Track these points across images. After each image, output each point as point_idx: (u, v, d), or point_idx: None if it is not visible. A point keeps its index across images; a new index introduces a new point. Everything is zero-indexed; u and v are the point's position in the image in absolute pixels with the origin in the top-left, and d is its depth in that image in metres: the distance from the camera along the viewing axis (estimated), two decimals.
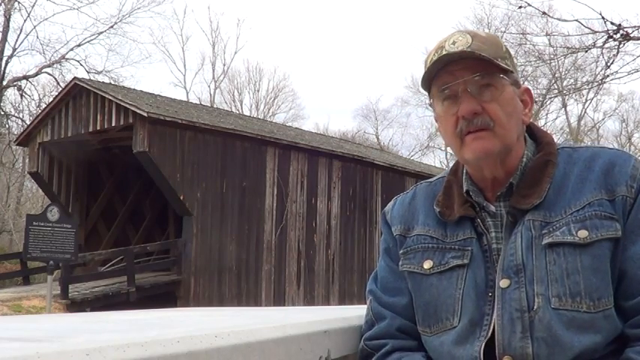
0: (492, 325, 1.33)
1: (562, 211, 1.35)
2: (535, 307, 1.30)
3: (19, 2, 25.74)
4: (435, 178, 1.60)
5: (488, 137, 1.37)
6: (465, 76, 1.37)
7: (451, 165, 1.57)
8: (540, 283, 1.31)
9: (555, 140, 1.50)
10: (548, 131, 1.61)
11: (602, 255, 1.31)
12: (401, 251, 1.51)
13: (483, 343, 1.33)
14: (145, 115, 14.38)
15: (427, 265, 1.44)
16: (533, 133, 1.49)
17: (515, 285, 1.33)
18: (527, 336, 1.29)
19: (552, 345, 1.28)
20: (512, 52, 1.51)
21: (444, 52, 1.38)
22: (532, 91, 1.50)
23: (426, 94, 1.49)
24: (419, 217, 1.52)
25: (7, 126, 26.73)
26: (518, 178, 1.41)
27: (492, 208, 1.42)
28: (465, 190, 1.45)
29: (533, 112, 1.49)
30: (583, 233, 1.31)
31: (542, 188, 1.38)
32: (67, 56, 27.01)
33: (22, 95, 26.08)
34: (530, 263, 1.33)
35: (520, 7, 8.82)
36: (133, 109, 14.71)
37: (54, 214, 11.68)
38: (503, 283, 1.34)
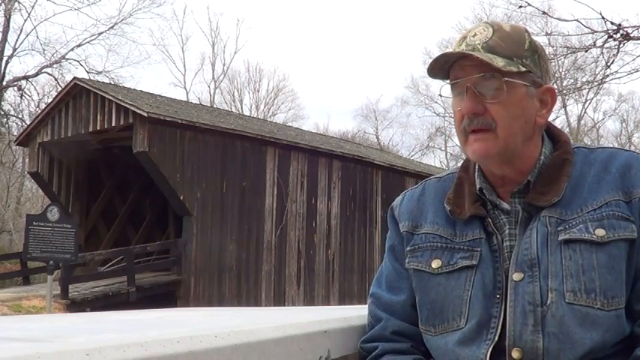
0: (499, 327, 1.32)
1: (578, 210, 1.35)
2: (548, 302, 1.29)
3: (19, 2, 25.76)
4: (444, 174, 1.58)
5: (489, 139, 1.36)
6: (472, 73, 1.36)
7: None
8: (554, 278, 1.30)
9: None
10: None
11: (617, 255, 1.30)
12: (408, 248, 1.49)
13: (491, 347, 1.32)
14: (145, 115, 14.39)
15: (435, 264, 1.43)
16: (551, 132, 1.48)
17: (528, 279, 1.32)
18: (538, 330, 1.29)
19: (563, 341, 1.28)
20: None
21: (464, 44, 1.38)
22: (555, 91, 1.46)
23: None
24: (427, 215, 1.50)
25: (7, 126, 26.73)
26: (535, 176, 1.40)
27: (506, 205, 1.41)
28: (477, 188, 1.44)
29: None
30: (600, 232, 1.31)
31: (560, 187, 1.37)
32: (67, 56, 27.03)
33: (22, 95, 26.08)
34: (545, 258, 1.32)
35: (520, 7, 8.83)
36: (133, 109, 14.72)
37: (54, 214, 11.67)
38: (517, 276, 1.33)
